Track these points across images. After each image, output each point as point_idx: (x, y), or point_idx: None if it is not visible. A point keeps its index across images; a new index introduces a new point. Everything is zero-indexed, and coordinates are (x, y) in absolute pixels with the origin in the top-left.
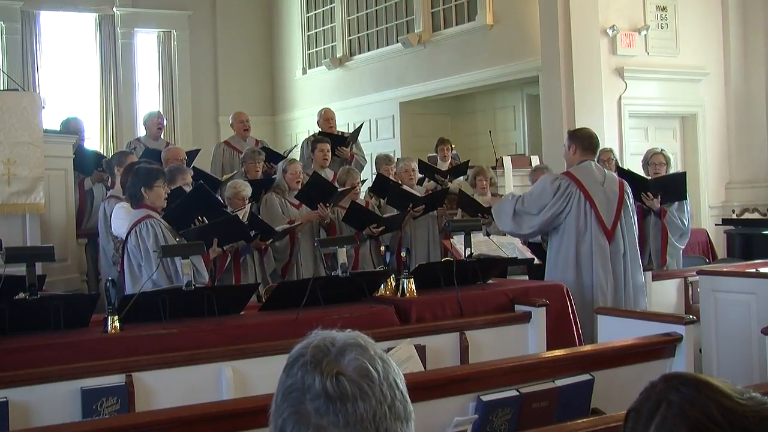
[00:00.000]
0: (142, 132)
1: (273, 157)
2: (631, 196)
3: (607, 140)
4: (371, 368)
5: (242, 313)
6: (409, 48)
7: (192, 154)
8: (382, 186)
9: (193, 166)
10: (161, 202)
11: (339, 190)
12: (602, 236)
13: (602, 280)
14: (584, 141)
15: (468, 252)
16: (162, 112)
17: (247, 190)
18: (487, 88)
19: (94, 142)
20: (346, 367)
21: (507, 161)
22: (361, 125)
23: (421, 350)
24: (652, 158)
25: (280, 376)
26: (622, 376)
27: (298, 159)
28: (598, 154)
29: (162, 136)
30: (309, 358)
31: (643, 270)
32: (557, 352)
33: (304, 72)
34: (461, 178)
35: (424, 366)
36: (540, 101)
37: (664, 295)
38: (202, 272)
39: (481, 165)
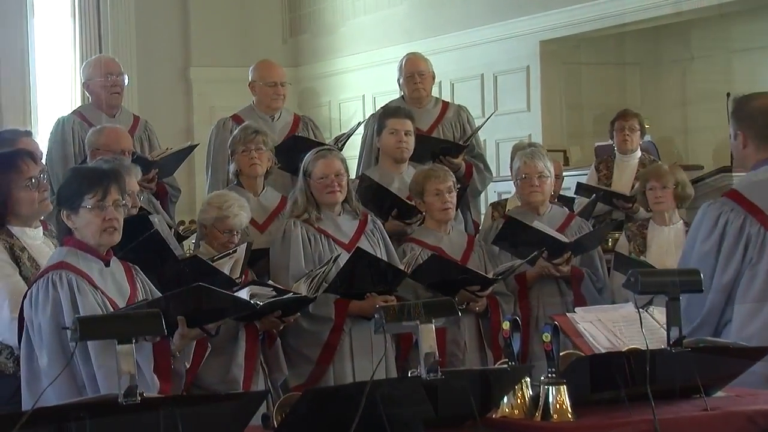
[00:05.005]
0: (77, 98)
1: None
2: None
3: None
4: None
5: None
6: None
7: (179, 156)
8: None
9: (148, 157)
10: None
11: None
12: None
13: None
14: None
15: (674, 334)
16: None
17: (242, 216)
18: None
19: None
20: None
21: None
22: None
23: None
24: None
25: None
26: None
27: (360, 154)
28: None
29: (124, 105)
30: None
31: None
32: None
33: None
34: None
35: None
36: None
37: None
38: (150, 380)
39: (658, 163)
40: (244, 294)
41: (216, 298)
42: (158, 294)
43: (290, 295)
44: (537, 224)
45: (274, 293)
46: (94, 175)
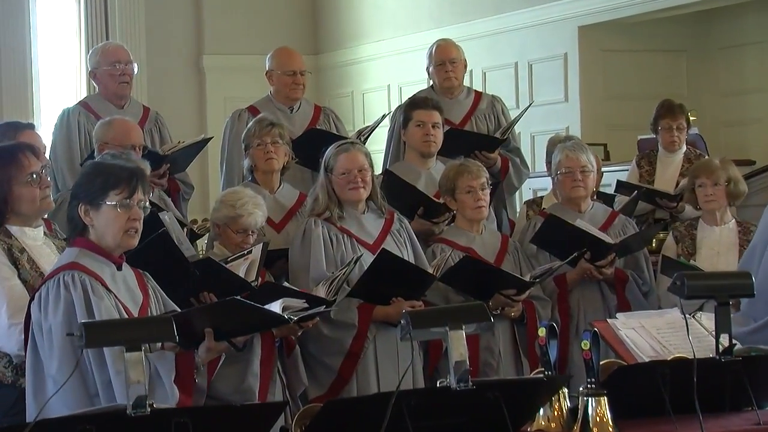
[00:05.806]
0: (83, 88)
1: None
2: None
3: None
4: None
5: None
6: None
7: (192, 150)
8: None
9: (159, 151)
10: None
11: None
12: None
13: None
14: None
15: (726, 341)
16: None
17: (257, 215)
18: None
19: None
20: None
21: None
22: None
23: None
24: None
25: None
26: None
27: (387, 148)
28: None
29: (133, 96)
30: None
31: None
32: None
33: None
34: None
35: None
36: None
37: None
38: (170, 392)
39: (708, 159)
40: (276, 306)
41: (249, 313)
42: (169, 302)
43: (322, 308)
44: (579, 222)
45: (306, 305)
46: (123, 171)
